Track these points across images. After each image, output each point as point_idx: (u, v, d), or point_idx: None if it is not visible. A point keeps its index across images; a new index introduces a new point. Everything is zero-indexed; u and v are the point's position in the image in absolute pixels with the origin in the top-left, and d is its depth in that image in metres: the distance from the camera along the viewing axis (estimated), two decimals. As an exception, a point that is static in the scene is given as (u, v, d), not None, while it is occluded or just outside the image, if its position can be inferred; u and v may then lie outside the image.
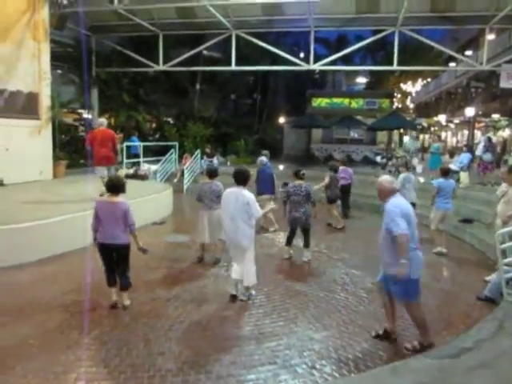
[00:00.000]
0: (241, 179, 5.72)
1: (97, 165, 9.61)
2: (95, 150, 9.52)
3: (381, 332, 4.83)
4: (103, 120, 10.40)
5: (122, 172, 14.00)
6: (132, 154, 17.61)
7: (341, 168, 11.62)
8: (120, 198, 5.38)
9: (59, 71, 19.00)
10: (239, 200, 5.54)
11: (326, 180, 10.44)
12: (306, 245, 7.86)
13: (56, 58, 15.53)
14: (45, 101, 12.91)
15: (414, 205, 9.78)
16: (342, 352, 4.48)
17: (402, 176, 9.73)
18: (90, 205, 5.82)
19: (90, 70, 18.02)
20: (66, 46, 18.21)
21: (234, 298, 5.80)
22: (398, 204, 4.35)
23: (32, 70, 12.40)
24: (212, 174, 7.53)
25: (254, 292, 6.01)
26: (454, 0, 14.15)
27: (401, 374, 3.50)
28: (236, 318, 5.31)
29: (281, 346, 4.58)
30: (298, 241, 8.07)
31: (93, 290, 5.83)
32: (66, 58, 18.16)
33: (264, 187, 9.94)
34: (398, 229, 4.15)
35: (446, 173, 8.64)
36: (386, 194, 4.48)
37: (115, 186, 5.38)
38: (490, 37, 20.02)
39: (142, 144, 17.02)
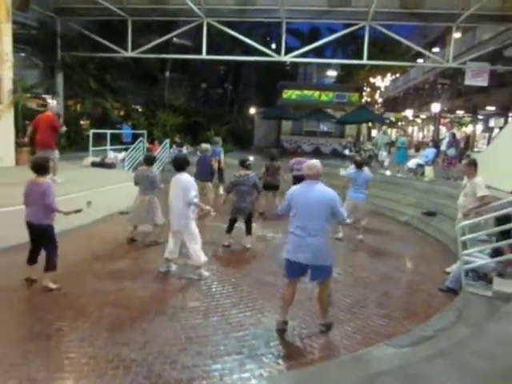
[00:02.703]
0: (178, 165, 6.17)
1: (37, 149, 9.49)
2: (38, 134, 9.45)
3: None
4: (53, 105, 10.20)
5: (88, 160, 13.65)
6: (124, 141, 18.30)
7: (296, 159, 11.75)
8: (43, 179, 5.46)
9: (22, 54, 18.24)
10: (178, 185, 6.01)
11: (263, 169, 10.59)
12: (249, 232, 7.99)
13: (19, 41, 14.90)
14: (6, 84, 12.36)
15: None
16: (307, 341, 4.55)
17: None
18: (58, 192, 5.75)
19: (55, 53, 17.42)
20: (30, 27, 17.50)
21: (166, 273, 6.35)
22: (296, 187, 4.72)
23: (-7, 51, 11.87)
24: (149, 160, 7.96)
25: (205, 272, 6.30)
26: (423, -3, 14.48)
27: (364, 363, 3.58)
28: (203, 308, 5.28)
29: (247, 336, 4.60)
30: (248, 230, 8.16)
31: (57, 281, 5.69)
32: (29, 41, 17.42)
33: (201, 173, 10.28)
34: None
35: (358, 165, 8.96)
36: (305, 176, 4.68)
37: (37, 167, 5.45)
38: (457, 35, 20.53)
39: (109, 132, 16.63)
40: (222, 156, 12.21)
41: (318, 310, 4.91)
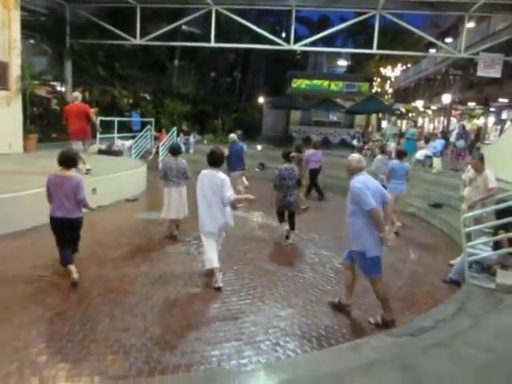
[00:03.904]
0: (214, 161, 5.53)
1: (72, 139, 9.58)
2: (70, 125, 9.52)
3: (336, 301, 5.03)
4: (77, 94, 10.18)
5: (95, 147, 13.72)
6: (133, 130, 18.58)
7: (312, 152, 11.67)
8: (72, 172, 5.35)
9: (31, 41, 18.29)
10: (214, 182, 5.38)
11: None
12: (293, 227, 7.82)
13: (28, 28, 14.96)
14: (14, 71, 12.44)
15: (386, 187, 9.89)
16: (306, 329, 4.55)
17: (376, 158, 9.82)
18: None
19: (64, 40, 17.43)
20: (39, 14, 17.52)
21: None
22: (362, 180, 4.50)
23: (1, 38, 11.90)
24: (176, 151, 7.60)
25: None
26: (435, -15, 14.22)
27: (360, 351, 3.58)
28: (204, 295, 5.32)
29: (247, 323, 4.62)
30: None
31: (60, 266, 5.74)
32: (38, 28, 17.45)
33: (236, 163, 10.16)
34: (369, 204, 4.33)
35: (400, 155, 8.81)
36: (352, 171, 4.64)
37: (66, 160, 5.32)
38: (470, 25, 20.17)
39: (116, 119, 16.68)
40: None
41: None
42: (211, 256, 5.51)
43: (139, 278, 5.74)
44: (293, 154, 7.84)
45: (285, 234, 7.85)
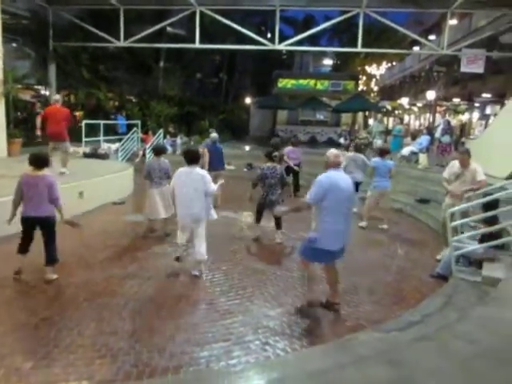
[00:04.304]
0: (191, 158, 5.72)
1: (52, 140, 9.56)
2: (48, 127, 9.48)
3: (323, 301, 5.06)
4: (58, 97, 10.11)
5: (80, 150, 13.60)
6: (119, 132, 18.60)
7: (290, 148, 11.74)
8: (45, 172, 5.39)
9: (14, 45, 18.05)
10: (193, 179, 5.58)
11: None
12: (279, 227, 7.74)
13: (9, 31, 14.77)
14: (-4, 75, 12.27)
15: (357, 184, 9.83)
16: (295, 328, 4.55)
17: (346, 155, 9.82)
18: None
19: (47, 43, 17.22)
20: (21, 17, 17.31)
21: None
22: (329, 176, 4.60)
23: (-18, 42, 11.74)
24: (159, 151, 7.68)
25: (203, 268, 6.02)
26: (417, -17, 14.33)
27: (348, 348, 3.58)
28: (192, 296, 5.29)
29: (236, 324, 4.60)
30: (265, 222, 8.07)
31: (46, 272, 5.67)
32: (20, 31, 17.25)
33: (217, 163, 10.22)
34: (308, 196, 4.60)
35: (382, 153, 8.93)
36: (328, 165, 4.71)
37: (38, 160, 5.37)
38: (453, 22, 20.37)
39: (102, 122, 16.53)
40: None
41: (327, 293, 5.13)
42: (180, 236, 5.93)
43: (126, 279, 5.70)
44: (275, 153, 7.85)
45: (256, 235, 7.83)
